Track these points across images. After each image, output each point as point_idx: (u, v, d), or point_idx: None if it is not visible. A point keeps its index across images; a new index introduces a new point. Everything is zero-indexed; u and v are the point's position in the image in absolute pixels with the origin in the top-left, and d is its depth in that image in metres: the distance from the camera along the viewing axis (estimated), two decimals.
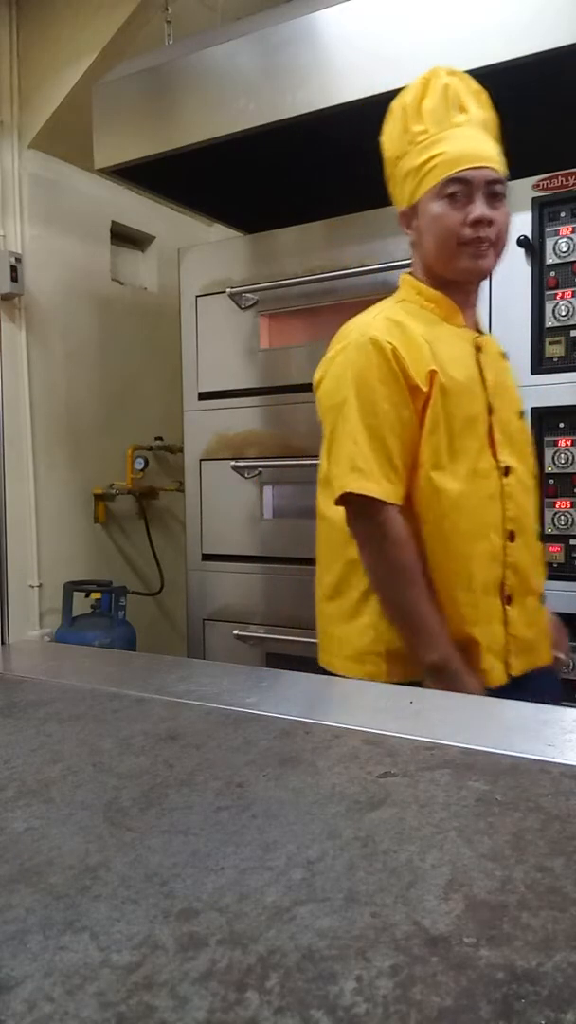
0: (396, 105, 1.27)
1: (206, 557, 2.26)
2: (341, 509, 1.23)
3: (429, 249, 1.25)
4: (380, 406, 1.18)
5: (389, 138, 1.27)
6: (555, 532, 1.71)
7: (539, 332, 1.73)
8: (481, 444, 1.23)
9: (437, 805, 0.62)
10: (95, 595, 2.46)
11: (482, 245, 1.21)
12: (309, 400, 2.09)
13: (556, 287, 1.70)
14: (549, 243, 1.71)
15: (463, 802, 0.62)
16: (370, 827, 0.58)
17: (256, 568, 2.17)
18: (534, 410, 1.72)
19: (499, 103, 1.77)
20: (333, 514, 1.26)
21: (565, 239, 1.69)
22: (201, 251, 2.28)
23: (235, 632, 2.17)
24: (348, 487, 1.18)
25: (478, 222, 1.19)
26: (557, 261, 1.71)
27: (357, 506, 1.20)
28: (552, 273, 1.71)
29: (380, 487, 1.17)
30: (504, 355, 1.37)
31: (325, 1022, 0.39)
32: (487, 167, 1.20)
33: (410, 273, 1.33)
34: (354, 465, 1.18)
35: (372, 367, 1.19)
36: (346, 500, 1.20)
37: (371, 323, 1.24)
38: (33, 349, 2.50)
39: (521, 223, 1.73)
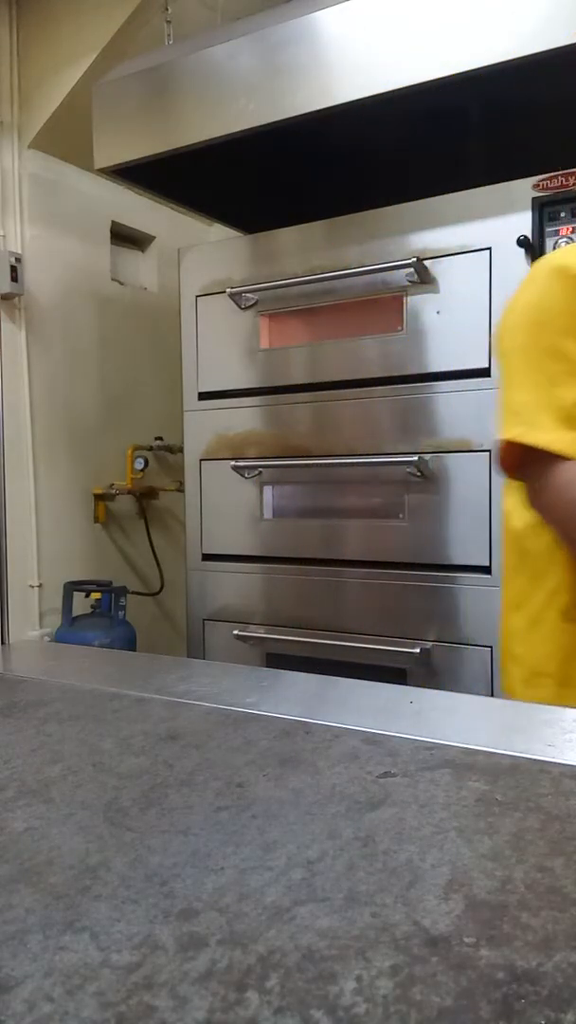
0: None
1: (206, 557, 2.26)
2: (518, 510, 1.06)
3: None
4: (559, 344, 0.97)
5: None
6: None
7: None
8: None
9: (437, 805, 0.62)
10: (95, 595, 2.46)
11: None
12: (309, 400, 2.11)
13: None
14: (549, 243, 1.71)
15: (463, 802, 0.62)
16: (370, 827, 0.58)
17: (256, 568, 2.17)
18: None
19: (499, 103, 1.78)
20: (512, 514, 1.10)
21: (565, 239, 1.69)
22: (201, 251, 2.28)
23: (235, 632, 2.17)
24: (506, 435, 0.98)
25: None
26: None
27: (524, 464, 0.99)
28: None
29: (551, 436, 0.95)
30: None
31: (325, 1022, 0.39)
32: None
33: None
34: (514, 409, 0.99)
35: (555, 296, 0.98)
36: (511, 459, 1.01)
37: (562, 250, 1.06)
38: (33, 349, 2.50)
39: (521, 223, 1.73)
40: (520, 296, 1.05)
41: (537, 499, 1.01)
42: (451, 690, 1.28)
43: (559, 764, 0.69)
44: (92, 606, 2.47)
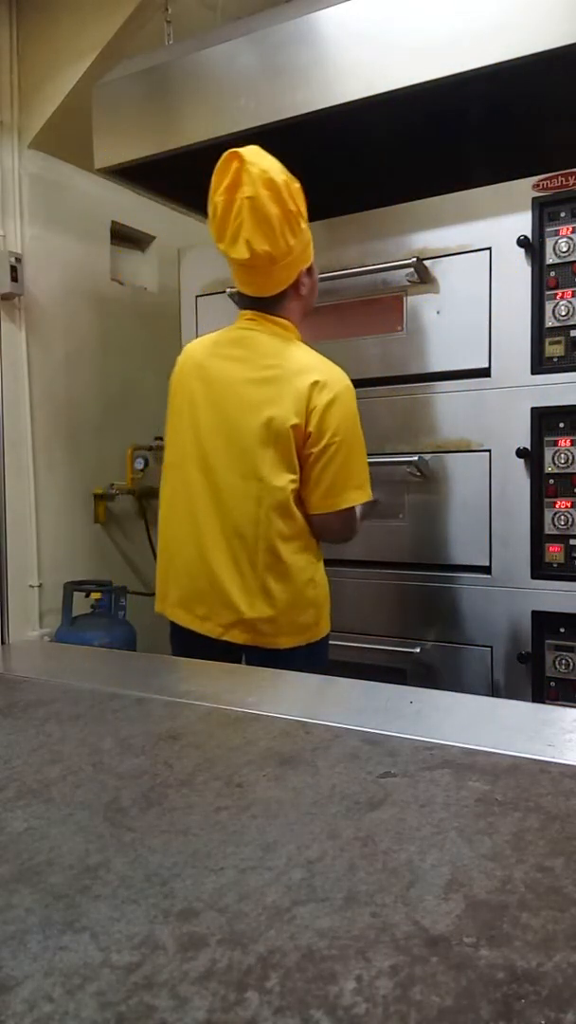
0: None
1: None
2: None
3: None
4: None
5: None
6: (555, 532, 1.71)
7: (539, 332, 1.73)
8: None
9: (437, 805, 0.62)
10: (95, 595, 2.46)
11: None
12: None
13: (556, 287, 1.70)
14: (549, 243, 1.71)
15: (463, 802, 0.62)
16: (370, 827, 0.58)
17: None
18: (534, 410, 1.72)
19: (500, 103, 1.78)
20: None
21: (565, 239, 1.69)
22: (201, 251, 2.28)
23: None
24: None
25: None
26: (557, 261, 1.70)
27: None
28: (552, 273, 1.71)
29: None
30: None
31: (325, 1022, 0.39)
32: None
33: None
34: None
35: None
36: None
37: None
38: (33, 349, 2.50)
39: (521, 223, 1.73)
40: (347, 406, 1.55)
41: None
42: (451, 690, 1.28)
43: (559, 764, 0.69)
44: (92, 606, 2.47)
